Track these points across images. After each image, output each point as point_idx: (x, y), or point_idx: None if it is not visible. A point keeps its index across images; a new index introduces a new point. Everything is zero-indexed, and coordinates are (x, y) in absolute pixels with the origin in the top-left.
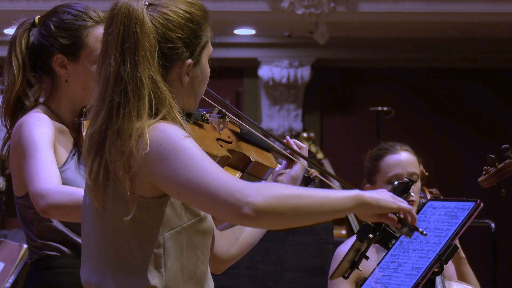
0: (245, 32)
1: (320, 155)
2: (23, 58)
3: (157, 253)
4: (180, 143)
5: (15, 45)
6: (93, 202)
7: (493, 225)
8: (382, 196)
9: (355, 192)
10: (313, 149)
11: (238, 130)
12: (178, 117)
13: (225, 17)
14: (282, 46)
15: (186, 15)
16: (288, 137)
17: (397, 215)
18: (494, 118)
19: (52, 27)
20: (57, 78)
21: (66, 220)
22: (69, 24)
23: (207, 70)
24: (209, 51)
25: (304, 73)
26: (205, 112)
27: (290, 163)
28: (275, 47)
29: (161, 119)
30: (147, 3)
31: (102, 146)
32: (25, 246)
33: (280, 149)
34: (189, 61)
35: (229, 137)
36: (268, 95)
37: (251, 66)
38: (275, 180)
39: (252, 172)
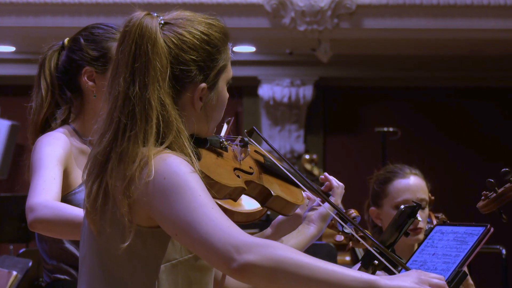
0: (244, 49)
1: None
2: (51, 79)
3: (150, 285)
4: (185, 181)
5: (44, 66)
6: (88, 226)
7: (504, 251)
8: (406, 282)
9: (373, 278)
10: (316, 171)
11: (262, 160)
12: (186, 144)
13: None
14: (283, 64)
15: (203, 36)
16: (326, 174)
17: None
18: (505, 140)
19: (82, 40)
20: (85, 95)
21: (50, 236)
22: (98, 37)
23: (224, 95)
24: (228, 76)
25: (306, 92)
26: (224, 140)
27: (323, 200)
28: (276, 65)
29: (167, 146)
30: (163, 21)
31: (104, 168)
32: (15, 273)
33: (308, 185)
34: (203, 85)
35: (250, 167)
36: (269, 115)
37: (251, 85)
38: (305, 216)
39: (273, 206)
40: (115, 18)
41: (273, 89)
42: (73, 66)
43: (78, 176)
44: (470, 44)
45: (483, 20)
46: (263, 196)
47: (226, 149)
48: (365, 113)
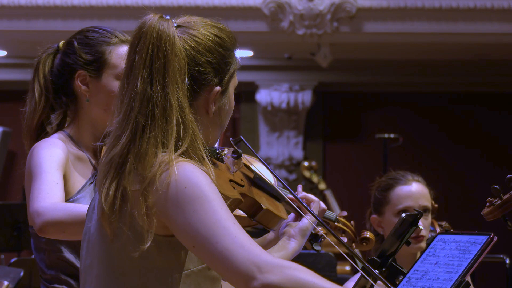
0: (242, 53)
1: (322, 186)
2: (45, 83)
3: None
4: (206, 192)
5: (38, 70)
6: (100, 231)
7: (507, 261)
8: None
9: None
10: (315, 179)
11: (251, 174)
12: (201, 148)
13: None
14: (281, 68)
15: (216, 39)
16: (300, 188)
17: None
18: (510, 145)
19: (76, 44)
20: (79, 100)
21: (62, 238)
22: (92, 41)
23: (233, 102)
24: (235, 82)
25: (305, 97)
26: (220, 150)
27: (299, 216)
28: (274, 70)
29: (184, 151)
30: (175, 24)
31: (122, 170)
32: (6, 283)
33: (290, 201)
34: (218, 88)
35: (241, 180)
36: (267, 121)
37: (249, 90)
38: (283, 232)
39: (261, 220)
40: (108, 21)
41: (271, 95)
42: (66, 70)
43: (75, 182)
44: (473, 49)
45: (487, 24)
46: (254, 209)
47: (222, 160)
48: (365, 119)
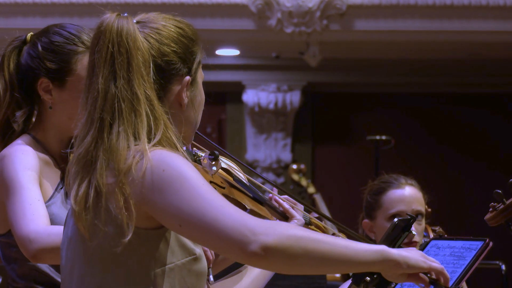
0: (228, 52)
1: (311, 189)
2: (10, 78)
3: None
4: (184, 171)
5: (2, 64)
6: (77, 233)
7: (503, 267)
8: (412, 254)
9: (381, 247)
10: (304, 182)
11: (230, 178)
12: (174, 139)
13: (205, 36)
14: (269, 68)
15: (178, 29)
16: (274, 191)
17: (428, 275)
18: (505, 149)
19: (40, 48)
20: (41, 104)
21: (57, 264)
22: (58, 47)
23: (203, 94)
24: (202, 75)
25: (294, 98)
26: (198, 152)
27: (284, 220)
28: (261, 69)
29: (157, 142)
30: (135, 21)
31: (91, 168)
32: None
33: (274, 206)
34: (188, 78)
35: (221, 182)
36: (254, 122)
37: (235, 91)
38: None
39: None
40: (89, 19)
41: (259, 95)
42: (30, 74)
43: (46, 189)
44: (468, 47)
45: (482, 22)
46: None
47: (200, 162)
48: (356, 120)
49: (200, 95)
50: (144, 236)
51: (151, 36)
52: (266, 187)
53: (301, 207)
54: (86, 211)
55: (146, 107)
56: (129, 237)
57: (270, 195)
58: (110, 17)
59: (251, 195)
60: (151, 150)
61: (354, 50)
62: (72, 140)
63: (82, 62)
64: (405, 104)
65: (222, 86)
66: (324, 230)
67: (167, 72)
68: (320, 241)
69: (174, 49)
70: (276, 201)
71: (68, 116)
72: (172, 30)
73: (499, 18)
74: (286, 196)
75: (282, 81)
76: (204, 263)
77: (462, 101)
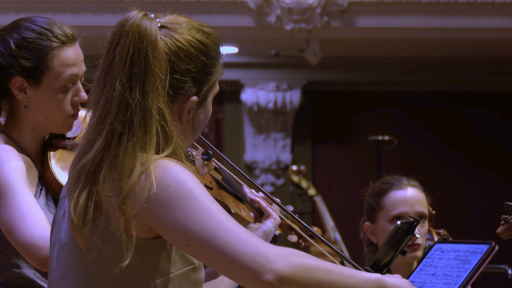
0: (226, 50)
1: (311, 191)
2: None
3: None
4: (193, 188)
5: None
6: (73, 241)
7: (510, 271)
8: (400, 283)
9: (377, 276)
10: (304, 184)
11: (219, 176)
12: (183, 156)
13: None
14: (268, 66)
15: (201, 46)
16: (252, 191)
17: None
18: (509, 150)
19: (13, 45)
20: (15, 103)
21: None
22: (32, 44)
23: (210, 111)
24: (215, 91)
25: (294, 97)
26: (192, 152)
27: (260, 217)
28: (260, 67)
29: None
30: (159, 24)
31: (94, 179)
32: None
33: (252, 202)
34: (194, 98)
35: (210, 182)
36: (253, 122)
37: (233, 89)
38: None
39: None
40: (63, 15)
41: (257, 94)
42: (2, 73)
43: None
44: (472, 45)
45: (488, 19)
46: None
47: (194, 163)
48: (358, 120)
49: (205, 113)
50: (144, 246)
51: (170, 48)
52: (248, 185)
53: (276, 207)
54: (85, 225)
55: (157, 124)
56: (127, 261)
57: (247, 191)
58: (135, 16)
59: (235, 194)
60: (156, 160)
61: (356, 47)
62: (46, 138)
63: (59, 58)
64: (408, 104)
65: (220, 85)
66: (299, 224)
67: (175, 88)
68: (329, 272)
69: (189, 67)
70: (253, 200)
71: (44, 115)
72: (195, 46)
73: (504, 15)
74: (261, 194)
75: (281, 80)
76: (202, 272)
77: (469, 100)
